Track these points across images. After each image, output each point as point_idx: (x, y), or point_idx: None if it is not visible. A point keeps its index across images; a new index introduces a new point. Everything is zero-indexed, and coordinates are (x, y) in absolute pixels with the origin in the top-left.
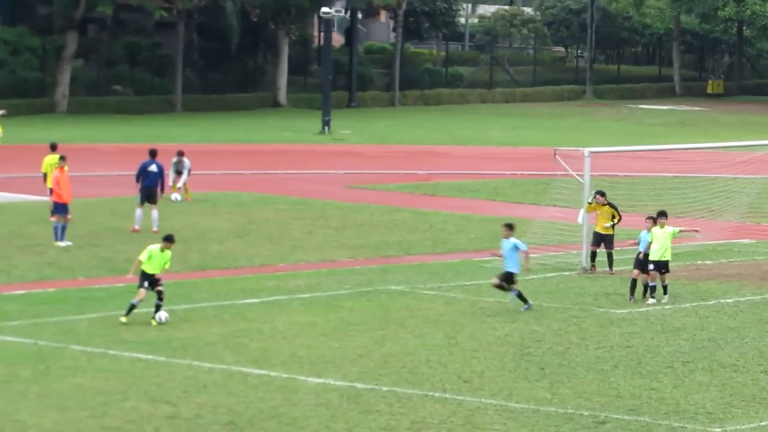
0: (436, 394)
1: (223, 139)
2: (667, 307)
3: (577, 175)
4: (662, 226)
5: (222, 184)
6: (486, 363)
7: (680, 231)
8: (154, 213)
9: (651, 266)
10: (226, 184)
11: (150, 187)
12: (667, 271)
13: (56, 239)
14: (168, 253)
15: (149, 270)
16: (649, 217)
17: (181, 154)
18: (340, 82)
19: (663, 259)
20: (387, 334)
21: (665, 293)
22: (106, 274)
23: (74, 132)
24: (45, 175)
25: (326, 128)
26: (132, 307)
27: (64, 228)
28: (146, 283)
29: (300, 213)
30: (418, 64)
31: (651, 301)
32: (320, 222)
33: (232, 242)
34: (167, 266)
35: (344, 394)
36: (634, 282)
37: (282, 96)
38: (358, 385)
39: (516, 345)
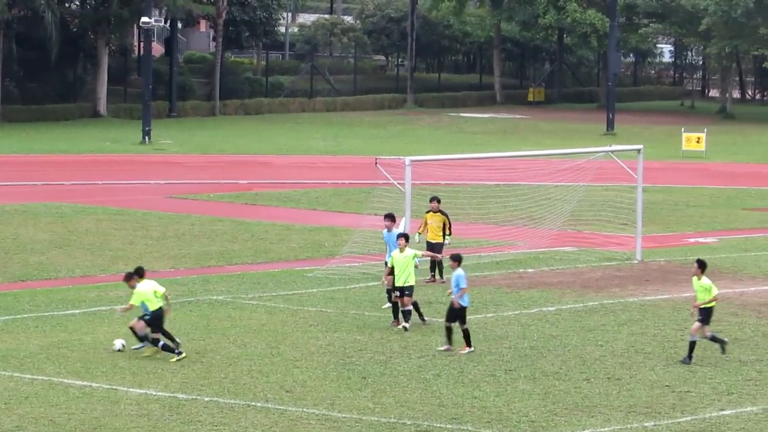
0: (259, 404)
1: (44, 150)
2: (489, 315)
3: (399, 183)
4: (402, 250)
5: (42, 194)
6: (308, 372)
7: (422, 254)
8: None
9: (397, 293)
10: (47, 194)
11: None
12: (411, 295)
13: None
14: None
15: None
16: (386, 216)
17: None
18: (160, 92)
19: (407, 284)
20: (209, 344)
21: (407, 318)
22: None
23: None
24: None
25: (147, 138)
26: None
27: None
28: None
29: (121, 223)
30: (239, 74)
31: (405, 324)
32: (141, 232)
33: (53, 253)
34: None
35: (166, 405)
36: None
37: (102, 106)
38: (180, 396)
39: (338, 354)
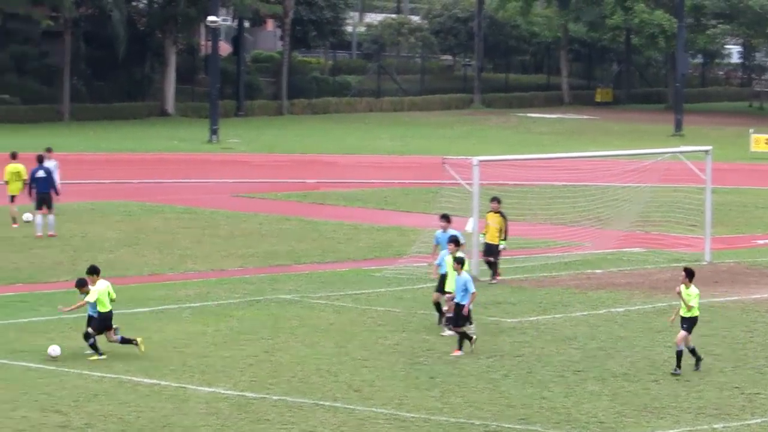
0: (327, 403)
1: (111, 148)
2: (557, 316)
3: (466, 183)
4: (454, 255)
5: (110, 193)
6: (376, 372)
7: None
8: (50, 217)
9: (447, 295)
10: (115, 193)
11: (41, 192)
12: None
13: None
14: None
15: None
16: (442, 217)
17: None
18: (227, 91)
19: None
20: (277, 343)
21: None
22: None
23: None
24: (7, 183)
25: (214, 137)
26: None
27: None
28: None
29: (189, 222)
30: (306, 73)
31: (448, 333)
32: (209, 231)
33: (122, 251)
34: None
35: (234, 403)
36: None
37: (170, 105)
38: (249, 394)
39: (406, 354)
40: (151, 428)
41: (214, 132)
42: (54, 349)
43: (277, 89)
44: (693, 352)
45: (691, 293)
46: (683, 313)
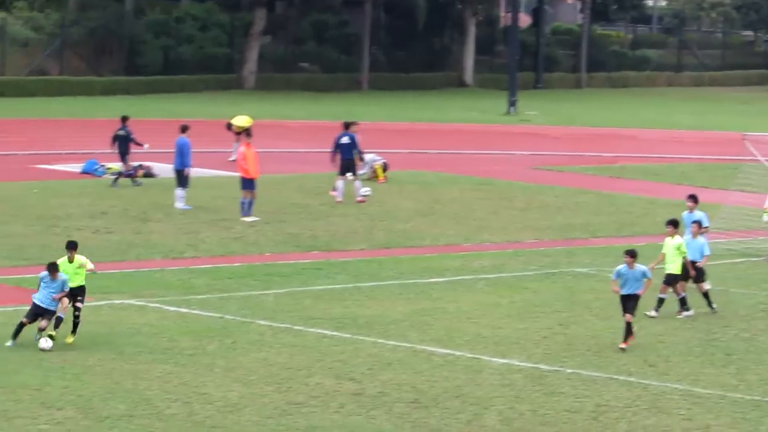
0: (621, 378)
1: (409, 118)
2: None
3: (766, 161)
4: (673, 237)
5: (408, 162)
6: (672, 348)
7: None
8: (357, 183)
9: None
10: (412, 162)
11: (345, 159)
12: (668, 283)
13: (243, 214)
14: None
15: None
16: (689, 197)
17: None
18: (526, 63)
19: (669, 272)
20: (572, 317)
21: (683, 306)
22: (292, 250)
23: (261, 108)
24: None
25: (512, 109)
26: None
27: (251, 203)
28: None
29: (485, 193)
30: (605, 46)
31: (685, 313)
32: (505, 203)
33: (418, 221)
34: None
35: (528, 375)
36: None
37: (468, 76)
38: (543, 367)
39: (702, 330)
40: (444, 398)
41: (512, 104)
42: (45, 341)
43: (576, 62)
44: None
45: None
46: None
